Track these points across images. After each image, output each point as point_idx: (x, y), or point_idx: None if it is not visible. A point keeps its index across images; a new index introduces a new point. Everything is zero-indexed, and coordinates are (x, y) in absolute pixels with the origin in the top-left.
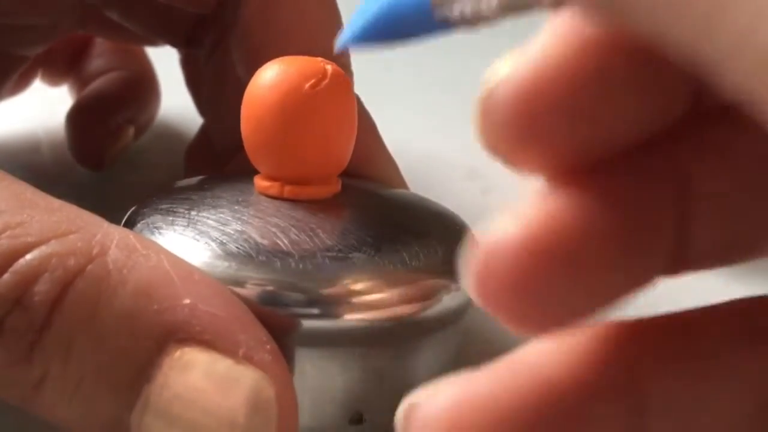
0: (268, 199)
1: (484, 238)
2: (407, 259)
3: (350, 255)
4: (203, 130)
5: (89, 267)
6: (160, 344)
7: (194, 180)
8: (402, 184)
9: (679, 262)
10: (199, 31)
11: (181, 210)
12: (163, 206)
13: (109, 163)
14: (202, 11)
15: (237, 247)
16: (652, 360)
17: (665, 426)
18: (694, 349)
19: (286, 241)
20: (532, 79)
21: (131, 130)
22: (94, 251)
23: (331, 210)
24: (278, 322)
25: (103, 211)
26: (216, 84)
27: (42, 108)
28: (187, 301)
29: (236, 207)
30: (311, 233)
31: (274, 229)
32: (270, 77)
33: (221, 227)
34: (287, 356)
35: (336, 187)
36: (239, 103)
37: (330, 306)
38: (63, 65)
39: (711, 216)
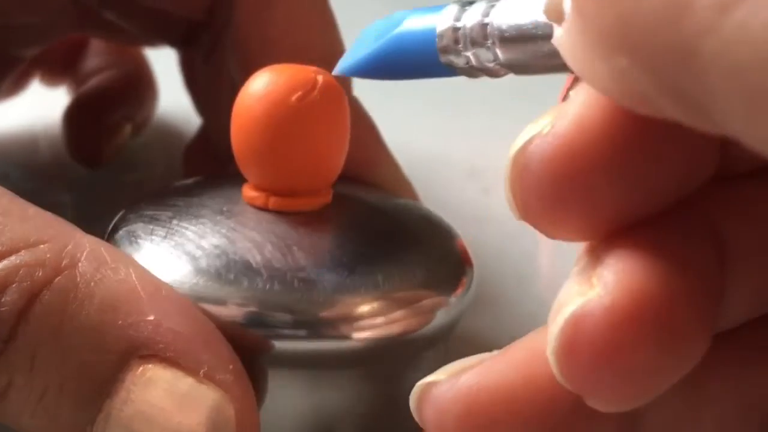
0: (253, 210)
1: (568, 314)
2: (381, 281)
3: (321, 276)
4: (202, 131)
5: (57, 279)
6: (124, 359)
7: (188, 182)
8: (405, 185)
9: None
10: (196, 31)
11: (164, 218)
12: (149, 212)
13: (105, 161)
14: (192, 16)
15: (208, 264)
16: None
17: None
18: None
19: (258, 259)
20: (574, 135)
21: (128, 128)
22: (63, 263)
23: (315, 224)
24: (250, 342)
25: (101, 209)
26: (214, 85)
27: (40, 106)
28: (151, 317)
29: (218, 217)
30: (287, 250)
31: (249, 245)
32: (258, 87)
33: (198, 240)
34: (257, 376)
35: (326, 198)
36: None
37: (292, 329)
38: (60, 67)
39: (746, 269)
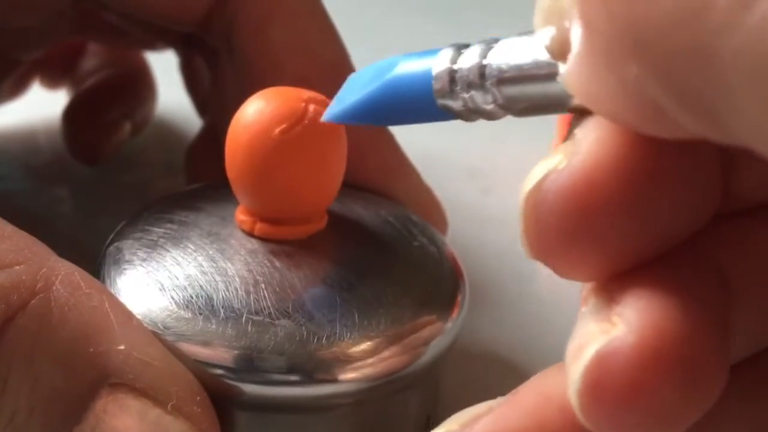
0: (239, 235)
1: (592, 353)
2: (337, 332)
3: (276, 322)
4: (204, 131)
5: (32, 303)
6: (94, 387)
7: (196, 188)
8: (428, 197)
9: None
10: (196, 37)
11: (155, 236)
12: (145, 226)
13: (104, 158)
14: (184, 30)
15: (171, 297)
16: None
17: None
18: None
19: (221, 296)
20: (591, 170)
21: (127, 126)
22: (38, 285)
23: (295, 257)
24: (215, 385)
25: (101, 209)
26: (219, 87)
27: (40, 104)
28: (122, 347)
29: (202, 241)
30: (253, 288)
31: (218, 279)
32: (247, 115)
33: (173, 266)
34: (225, 415)
35: (317, 225)
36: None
37: (238, 373)
38: (60, 70)
39: (747, 305)
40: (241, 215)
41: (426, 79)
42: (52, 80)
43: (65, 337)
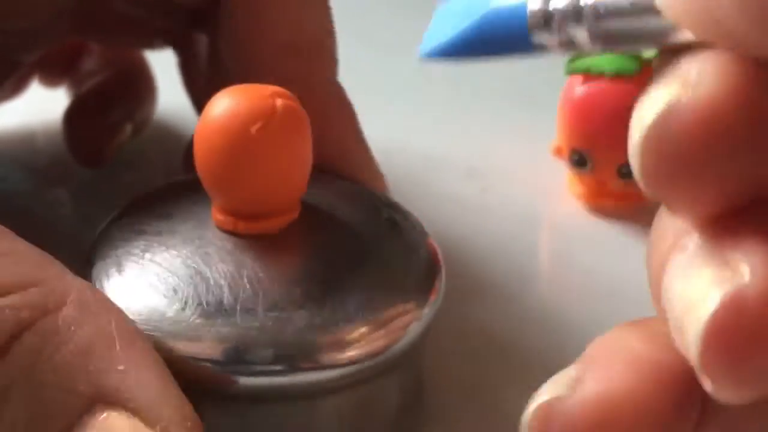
0: (218, 234)
1: (720, 298)
2: (307, 319)
3: (255, 311)
4: None
5: (39, 322)
6: (90, 404)
7: (169, 190)
8: (375, 175)
9: None
10: (199, 24)
11: (142, 229)
12: (135, 225)
13: (106, 161)
14: (195, 6)
15: (156, 293)
16: None
17: None
18: None
19: (203, 291)
20: (714, 104)
21: (128, 127)
22: (49, 306)
23: (271, 249)
24: (198, 377)
25: (100, 209)
26: (215, 87)
27: (40, 106)
28: (122, 367)
29: (183, 245)
30: (232, 281)
31: (200, 274)
32: (217, 116)
33: (170, 261)
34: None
35: (293, 214)
36: None
37: (219, 365)
38: (59, 68)
39: None
40: (218, 215)
41: (521, 14)
42: (51, 79)
43: (67, 354)
